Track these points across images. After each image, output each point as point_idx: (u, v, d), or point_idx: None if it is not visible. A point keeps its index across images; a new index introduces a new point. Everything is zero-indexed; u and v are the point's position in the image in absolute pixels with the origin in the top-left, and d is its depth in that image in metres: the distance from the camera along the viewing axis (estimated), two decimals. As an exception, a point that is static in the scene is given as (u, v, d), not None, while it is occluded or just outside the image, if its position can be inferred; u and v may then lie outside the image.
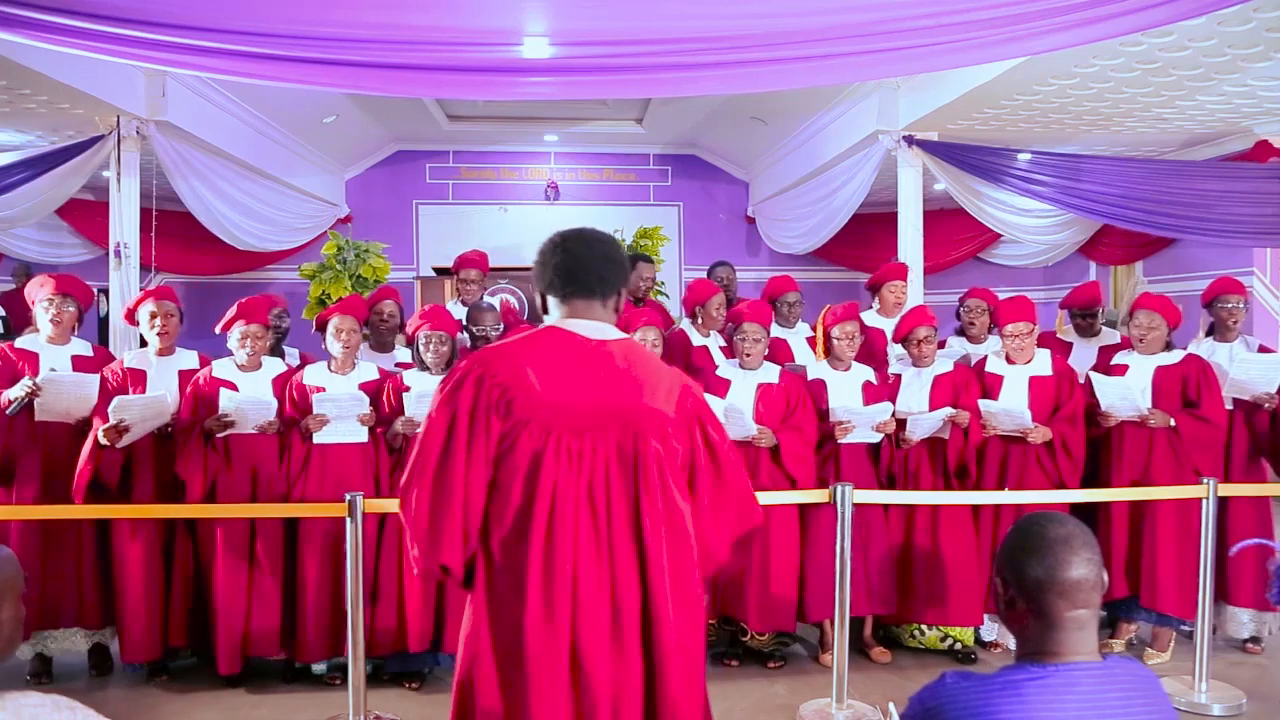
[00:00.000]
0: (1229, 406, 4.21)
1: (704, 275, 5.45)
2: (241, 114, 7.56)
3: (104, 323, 8.56)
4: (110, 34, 3.37)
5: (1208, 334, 4.49)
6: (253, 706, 3.76)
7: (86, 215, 8.63)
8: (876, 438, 4.14)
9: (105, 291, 6.43)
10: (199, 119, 6.73)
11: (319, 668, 3.94)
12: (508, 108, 9.39)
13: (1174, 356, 4.14)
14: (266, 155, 8.12)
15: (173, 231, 7.19)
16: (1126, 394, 4.00)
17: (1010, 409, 4.04)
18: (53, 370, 3.75)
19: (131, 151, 6.11)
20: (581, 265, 2.00)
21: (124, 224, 6.08)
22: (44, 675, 3.95)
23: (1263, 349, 4.27)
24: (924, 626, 4.23)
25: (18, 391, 3.63)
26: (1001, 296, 4.91)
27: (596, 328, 2.00)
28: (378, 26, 3.51)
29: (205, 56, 3.60)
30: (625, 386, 1.95)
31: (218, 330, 3.95)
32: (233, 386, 3.83)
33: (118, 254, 6.06)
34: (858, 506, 3.67)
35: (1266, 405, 4.12)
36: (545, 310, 2.06)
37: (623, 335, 2.04)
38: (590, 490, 1.89)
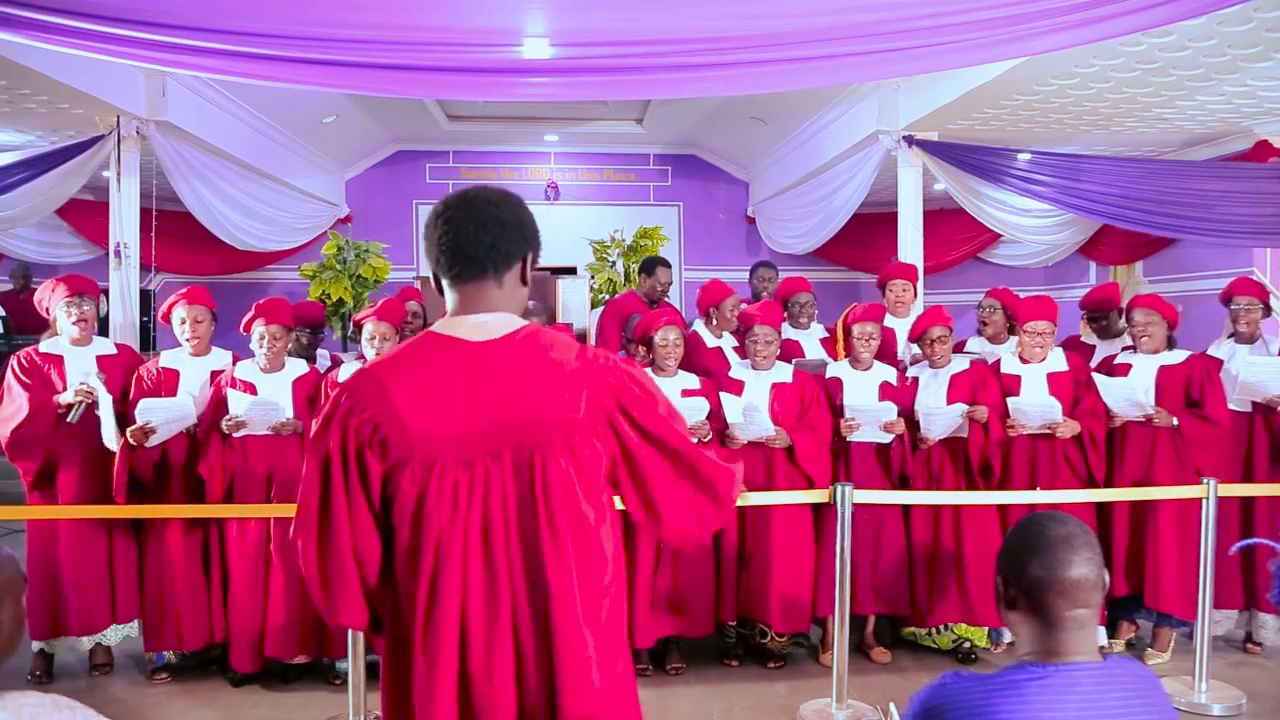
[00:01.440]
0: (1247, 409, 4.21)
1: (709, 276, 5.45)
2: (241, 114, 7.56)
3: (104, 323, 8.55)
4: (110, 34, 3.37)
5: (1230, 335, 4.48)
6: (253, 706, 3.76)
7: (86, 215, 8.63)
8: (885, 438, 4.13)
9: (105, 291, 6.43)
10: (199, 119, 6.74)
11: (343, 664, 3.92)
12: (508, 108, 9.40)
13: (1177, 356, 4.14)
14: (266, 155, 8.13)
15: (173, 231, 7.19)
16: (1130, 394, 4.00)
17: (1038, 404, 4.04)
18: (98, 373, 3.81)
19: (131, 151, 6.11)
20: (468, 237, 1.65)
21: (124, 224, 6.08)
22: (44, 675, 3.96)
23: None
24: (941, 626, 4.22)
25: (70, 397, 3.73)
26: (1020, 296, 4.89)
27: (483, 323, 1.67)
28: (378, 27, 3.51)
29: (205, 56, 3.60)
30: (516, 396, 1.62)
31: (242, 329, 4.00)
32: (251, 386, 3.87)
33: (118, 254, 6.06)
34: (871, 506, 3.66)
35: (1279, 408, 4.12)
36: (441, 293, 1.74)
37: (520, 324, 1.69)
38: (485, 531, 1.59)
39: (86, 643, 3.99)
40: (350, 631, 3.42)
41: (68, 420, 3.75)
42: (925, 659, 4.22)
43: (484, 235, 1.65)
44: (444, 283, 1.71)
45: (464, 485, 1.59)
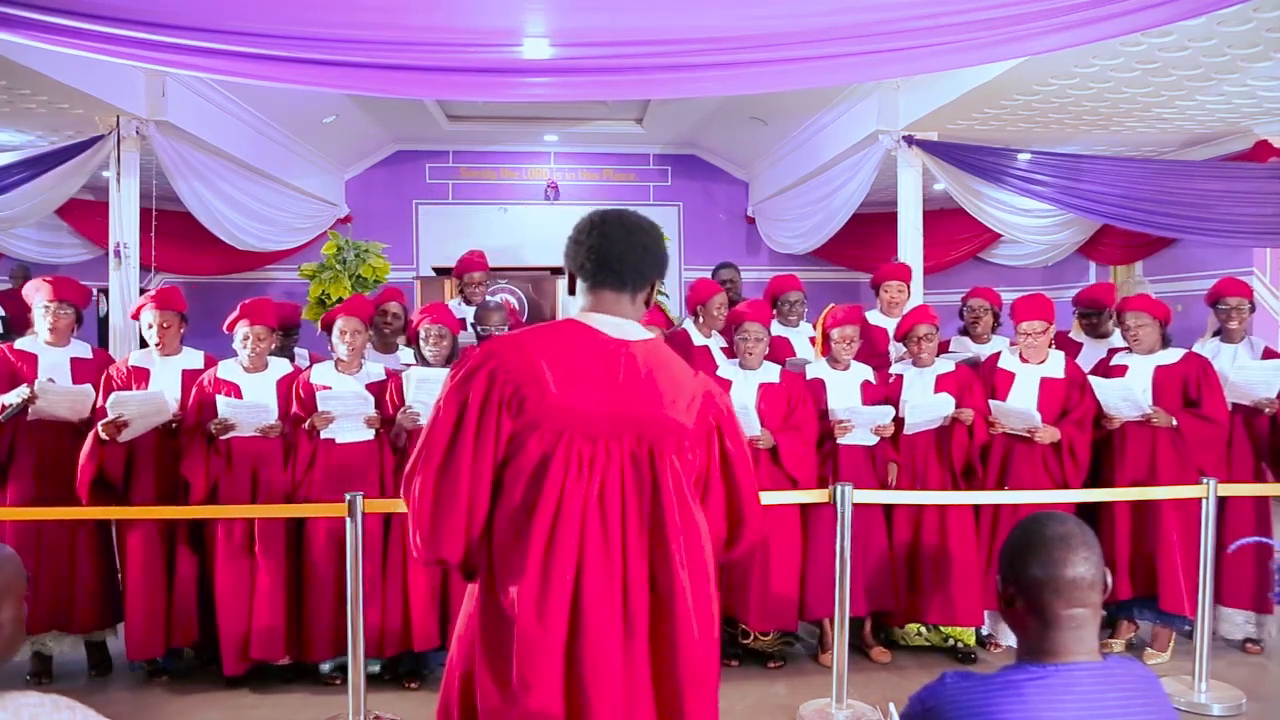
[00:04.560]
0: (1229, 410, 4.21)
1: (706, 275, 5.45)
2: (241, 114, 7.56)
3: (104, 322, 8.56)
4: (110, 34, 3.37)
5: (1215, 334, 4.48)
6: (253, 706, 3.76)
7: (86, 215, 8.63)
8: (874, 440, 4.14)
9: (105, 291, 6.44)
10: (199, 119, 6.74)
11: (325, 667, 3.94)
12: (508, 108, 9.39)
13: (1173, 355, 4.14)
14: (266, 155, 8.12)
15: (173, 231, 7.19)
16: (1128, 394, 4.00)
17: (1019, 408, 4.04)
18: (50, 381, 3.79)
19: (131, 151, 6.11)
20: (616, 253, 1.86)
21: (124, 224, 6.08)
22: (44, 675, 3.95)
23: (1269, 352, 4.26)
24: (925, 626, 4.23)
25: (13, 399, 3.65)
26: (1004, 297, 4.90)
27: (620, 325, 1.88)
28: (378, 27, 3.51)
29: (205, 56, 3.60)
30: (645, 394, 1.84)
31: (225, 329, 3.98)
32: (236, 387, 3.84)
33: (118, 254, 6.06)
34: (858, 506, 3.67)
35: (1267, 410, 4.12)
36: (572, 291, 1.94)
37: (648, 334, 1.92)
38: (602, 498, 1.79)
39: (65, 642, 3.96)
40: (350, 632, 3.42)
41: (0, 419, 3.66)
42: (925, 659, 4.22)
43: (630, 255, 1.87)
44: (581, 284, 1.91)
45: (587, 456, 1.79)
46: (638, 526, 1.80)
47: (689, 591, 1.79)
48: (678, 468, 1.83)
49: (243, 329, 3.88)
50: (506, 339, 1.88)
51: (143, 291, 6.31)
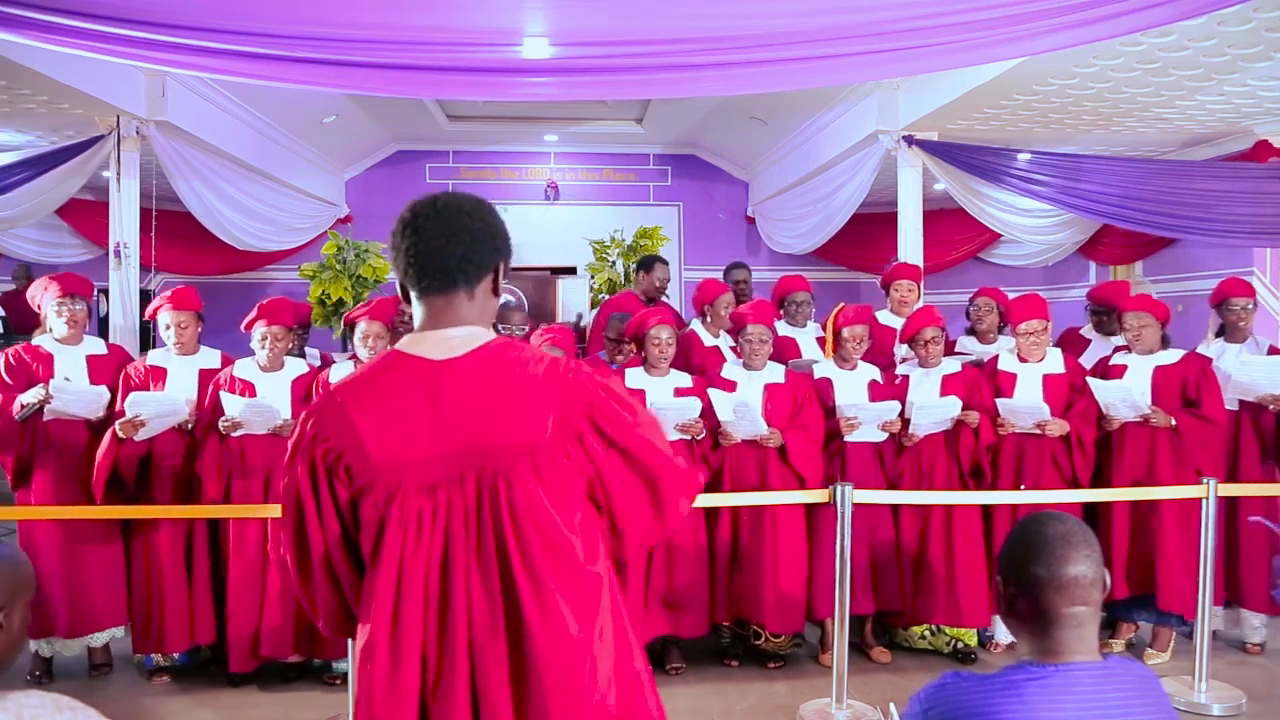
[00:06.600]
0: (1235, 408, 4.21)
1: (708, 276, 5.45)
2: (241, 114, 7.55)
3: (104, 322, 8.56)
4: (110, 34, 3.37)
5: (1217, 335, 4.49)
6: (252, 706, 3.76)
7: (86, 215, 8.62)
8: (882, 436, 4.15)
9: (105, 291, 6.43)
10: (199, 119, 6.73)
11: (342, 664, 3.93)
12: (508, 108, 9.39)
13: (1173, 356, 4.14)
14: (266, 155, 8.12)
15: (173, 231, 7.19)
16: (1125, 395, 4.00)
17: (1028, 404, 4.05)
18: (66, 380, 3.83)
19: (131, 151, 6.10)
20: (437, 250, 1.58)
21: (124, 224, 6.07)
22: (44, 675, 3.96)
23: (1273, 350, 4.27)
24: (930, 628, 4.22)
25: (29, 398, 3.68)
26: (1010, 296, 4.92)
27: (445, 340, 1.60)
28: (378, 26, 3.52)
29: (205, 56, 3.60)
30: (478, 418, 1.55)
31: (243, 329, 4.01)
32: (250, 386, 3.88)
33: (118, 254, 6.06)
34: (868, 505, 3.67)
35: (1271, 407, 4.12)
36: (407, 303, 1.66)
37: (486, 338, 1.62)
38: (446, 560, 1.53)
39: (76, 644, 3.99)
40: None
41: (17, 419, 3.69)
42: (925, 659, 4.23)
43: (455, 246, 1.58)
44: (412, 295, 1.63)
45: (427, 512, 1.54)
46: (480, 583, 1.54)
47: (558, 635, 1.54)
48: (538, 493, 1.55)
49: (260, 329, 3.93)
50: (326, 399, 1.64)
51: (143, 292, 6.33)
